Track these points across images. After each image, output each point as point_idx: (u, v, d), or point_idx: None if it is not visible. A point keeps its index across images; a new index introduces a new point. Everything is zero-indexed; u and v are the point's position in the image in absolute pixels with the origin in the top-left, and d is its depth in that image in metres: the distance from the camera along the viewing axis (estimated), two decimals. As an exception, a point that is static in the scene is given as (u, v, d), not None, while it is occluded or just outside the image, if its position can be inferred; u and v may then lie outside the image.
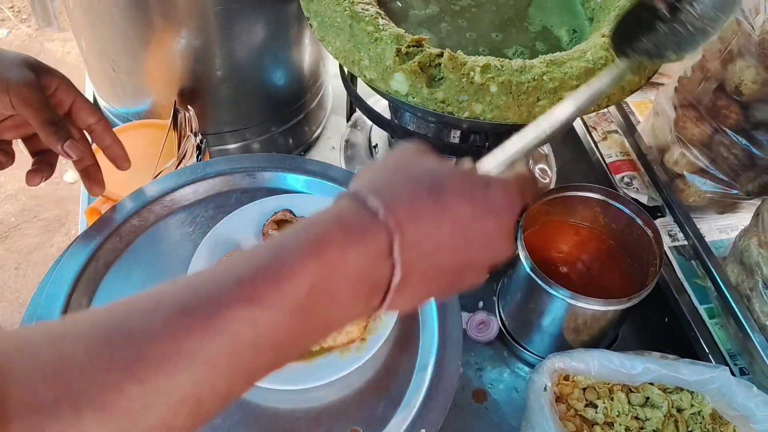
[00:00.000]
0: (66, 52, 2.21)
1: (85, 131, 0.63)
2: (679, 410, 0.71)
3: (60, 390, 0.25)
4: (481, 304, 0.88)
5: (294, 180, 0.72)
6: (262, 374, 0.30)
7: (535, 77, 0.61)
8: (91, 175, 0.64)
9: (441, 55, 0.62)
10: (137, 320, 0.27)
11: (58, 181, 1.96)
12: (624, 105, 1.00)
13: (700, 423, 0.70)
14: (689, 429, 0.71)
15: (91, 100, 1.00)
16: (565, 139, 0.99)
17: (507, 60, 0.62)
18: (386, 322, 0.60)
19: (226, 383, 0.28)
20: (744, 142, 0.79)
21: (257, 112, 0.94)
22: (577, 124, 0.99)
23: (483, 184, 0.36)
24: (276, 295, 0.29)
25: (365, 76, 0.64)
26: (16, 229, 1.87)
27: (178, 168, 0.79)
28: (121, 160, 0.65)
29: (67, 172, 1.96)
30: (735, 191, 0.83)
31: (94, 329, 0.27)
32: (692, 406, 0.71)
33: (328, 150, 1.06)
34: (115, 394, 0.25)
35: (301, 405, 0.59)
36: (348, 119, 0.97)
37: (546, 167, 0.94)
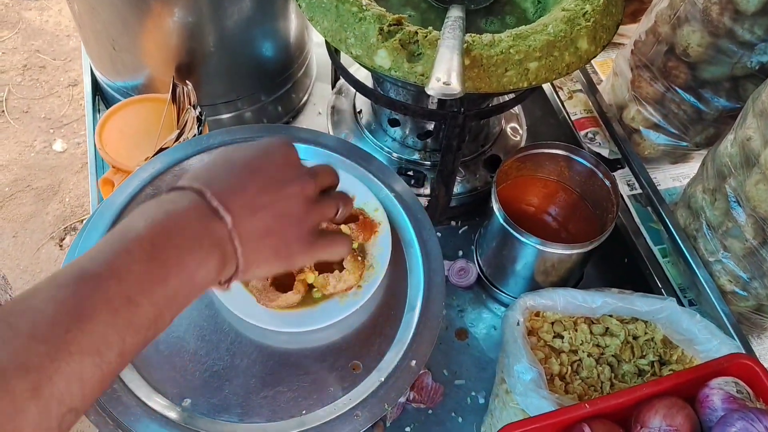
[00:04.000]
0: (44, 21, 2.20)
1: None
2: (635, 337, 0.82)
3: None
4: (460, 252, 0.97)
5: (290, 147, 0.79)
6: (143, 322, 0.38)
7: (503, 51, 0.69)
8: None
9: (418, 33, 0.69)
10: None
11: (48, 151, 1.99)
12: (587, 65, 1.08)
13: (653, 348, 0.81)
14: (643, 353, 0.81)
15: (89, 75, 1.06)
16: (534, 99, 1.07)
17: (478, 36, 0.70)
18: (378, 271, 0.69)
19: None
20: (692, 99, 0.87)
21: (248, 83, 1.01)
22: (546, 85, 1.07)
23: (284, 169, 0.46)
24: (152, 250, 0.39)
25: (352, 53, 0.71)
26: (11, 199, 1.91)
27: (181, 139, 0.86)
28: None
29: (56, 141, 2.00)
30: (685, 143, 0.93)
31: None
32: (646, 333, 0.81)
33: (315, 116, 1.13)
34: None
35: (307, 345, 0.68)
36: (333, 86, 1.04)
37: (517, 125, 1.02)
